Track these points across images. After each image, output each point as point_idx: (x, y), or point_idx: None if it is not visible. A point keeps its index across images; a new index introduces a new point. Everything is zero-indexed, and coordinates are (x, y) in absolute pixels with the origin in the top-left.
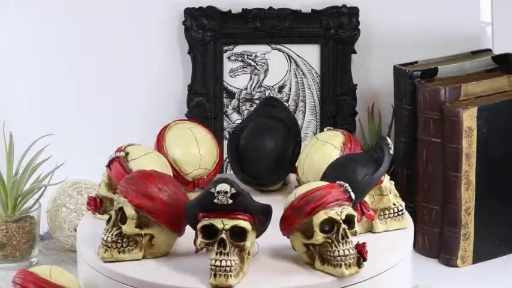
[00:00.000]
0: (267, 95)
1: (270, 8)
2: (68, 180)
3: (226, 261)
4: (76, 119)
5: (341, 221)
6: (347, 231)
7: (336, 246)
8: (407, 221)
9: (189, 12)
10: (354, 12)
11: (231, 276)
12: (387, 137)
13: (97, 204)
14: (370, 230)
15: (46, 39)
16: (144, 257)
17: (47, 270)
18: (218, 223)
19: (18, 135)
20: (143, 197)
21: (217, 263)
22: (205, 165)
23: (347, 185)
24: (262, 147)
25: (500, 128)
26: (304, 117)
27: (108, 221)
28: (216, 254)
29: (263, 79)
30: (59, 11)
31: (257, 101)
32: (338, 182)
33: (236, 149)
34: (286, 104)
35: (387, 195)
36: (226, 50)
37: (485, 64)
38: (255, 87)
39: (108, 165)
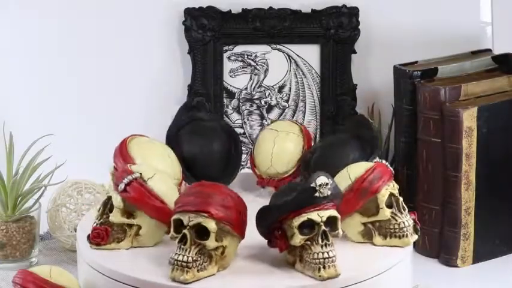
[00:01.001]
0: (267, 95)
1: (270, 8)
2: (68, 180)
3: (332, 251)
4: (76, 119)
5: (397, 195)
6: (403, 203)
7: (400, 218)
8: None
9: (189, 12)
10: (354, 12)
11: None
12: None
13: (108, 235)
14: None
15: (46, 39)
16: (217, 271)
17: (47, 270)
18: (315, 216)
19: (18, 135)
20: (223, 209)
21: (326, 255)
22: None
23: (387, 162)
24: (207, 149)
25: (500, 128)
26: (304, 117)
27: (182, 240)
28: (322, 246)
29: (263, 79)
30: (59, 11)
31: (257, 101)
32: (378, 160)
33: (182, 157)
34: (286, 103)
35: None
36: (226, 50)
37: (485, 64)
38: (255, 87)
39: (125, 190)
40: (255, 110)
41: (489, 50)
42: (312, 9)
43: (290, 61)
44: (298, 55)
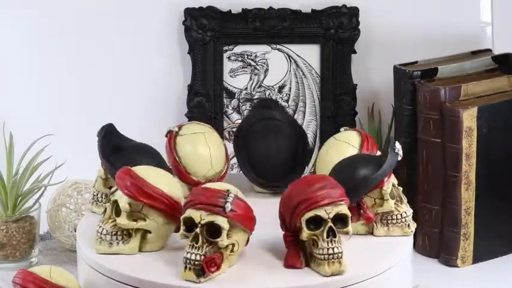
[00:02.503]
0: (267, 95)
1: (270, 8)
2: (68, 180)
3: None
4: (76, 119)
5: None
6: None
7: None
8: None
9: (189, 12)
10: (354, 12)
11: None
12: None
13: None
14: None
15: (46, 39)
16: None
17: (47, 270)
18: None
19: (18, 135)
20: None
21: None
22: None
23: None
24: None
25: (500, 128)
26: (304, 117)
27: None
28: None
29: (263, 79)
30: (59, 11)
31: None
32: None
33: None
34: (286, 104)
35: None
36: (226, 50)
37: (485, 64)
38: (255, 87)
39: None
40: None
41: (489, 50)
42: (312, 9)
43: (290, 61)
44: (298, 55)
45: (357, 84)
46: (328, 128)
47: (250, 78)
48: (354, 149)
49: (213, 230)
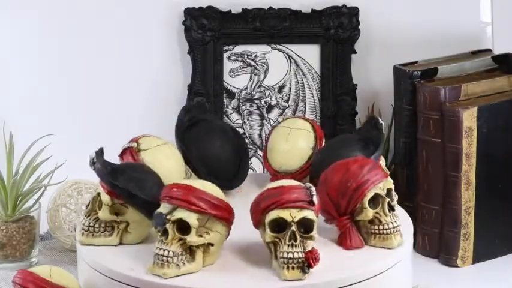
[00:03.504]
0: (267, 95)
1: (270, 8)
2: (68, 180)
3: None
4: (76, 119)
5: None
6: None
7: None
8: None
9: (189, 12)
10: (354, 12)
11: None
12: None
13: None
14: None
15: (46, 39)
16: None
17: (47, 270)
18: None
19: (18, 135)
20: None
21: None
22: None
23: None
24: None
25: (500, 128)
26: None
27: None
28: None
29: (263, 79)
30: (59, 11)
31: (257, 101)
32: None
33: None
34: (286, 103)
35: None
36: (226, 50)
37: (485, 64)
38: (255, 87)
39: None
40: (255, 110)
41: (489, 50)
42: (312, 9)
43: (290, 61)
44: (298, 55)
45: (357, 84)
46: (328, 128)
47: (250, 78)
48: (310, 134)
49: (306, 226)
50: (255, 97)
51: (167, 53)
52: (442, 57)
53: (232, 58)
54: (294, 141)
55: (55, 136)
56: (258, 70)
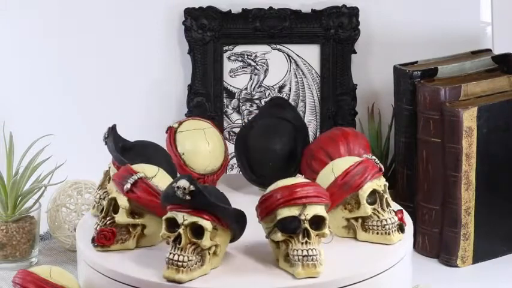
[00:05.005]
0: (267, 95)
1: (270, 8)
2: (68, 180)
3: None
4: (76, 119)
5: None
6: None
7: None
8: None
9: (189, 12)
10: (354, 12)
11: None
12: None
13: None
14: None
15: (46, 39)
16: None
17: (47, 270)
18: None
19: (18, 135)
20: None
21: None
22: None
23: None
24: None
25: (500, 128)
26: (304, 117)
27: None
28: (302, 244)
29: (263, 79)
30: (59, 11)
31: (257, 101)
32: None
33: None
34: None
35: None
36: (226, 50)
37: (485, 64)
38: (255, 87)
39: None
40: (255, 110)
41: (489, 50)
42: (312, 9)
43: (290, 61)
44: (298, 55)
45: (357, 84)
46: (328, 128)
47: (250, 78)
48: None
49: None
50: (255, 97)
51: (167, 53)
52: (442, 57)
53: (232, 58)
54: (213, 141)
55: (55, 136)
56: (258, 70)
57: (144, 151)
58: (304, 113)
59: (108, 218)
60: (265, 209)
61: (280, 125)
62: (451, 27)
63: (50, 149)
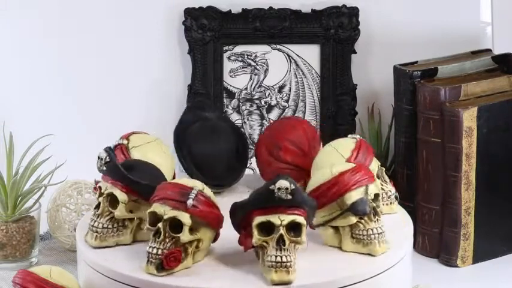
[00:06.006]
0: (267, 95)
1: (270, 8)
2: (68, 180)
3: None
4: (76, 119)
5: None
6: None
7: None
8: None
9: (189, 12)
10: (354, 12)
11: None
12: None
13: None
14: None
15: (46, 39)
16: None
17: (47, 270)
18: (275, 219)
19: (18, 135)
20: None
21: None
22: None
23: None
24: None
25: (500, 128)
26: (304, 117)
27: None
28: (276, 250)
29: (263, 79)
30: (59, 11)
31: (257, 101)
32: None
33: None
34: (286, 103)
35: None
36: (226, 50)
37: (485, 64)
38: (255, 87)
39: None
40: (255, 110)
41: (489, 50)
42: (312, 9)
43: (290, 61)
44: (298, 55)
45: (357, 84)
46: (328, 128)
47: (250, 78)
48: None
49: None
50: (255, 97)
51: (167, 53)
52: (442, 57)
53: (232, 58)
54: (167, 151)
55: (55, 136)
56: (258, 70)
57: (145, 168)
58: (304, 113)
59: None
60: (331, 196)
61: (216, 125)
62: (451, 27)
63: (50, 149)
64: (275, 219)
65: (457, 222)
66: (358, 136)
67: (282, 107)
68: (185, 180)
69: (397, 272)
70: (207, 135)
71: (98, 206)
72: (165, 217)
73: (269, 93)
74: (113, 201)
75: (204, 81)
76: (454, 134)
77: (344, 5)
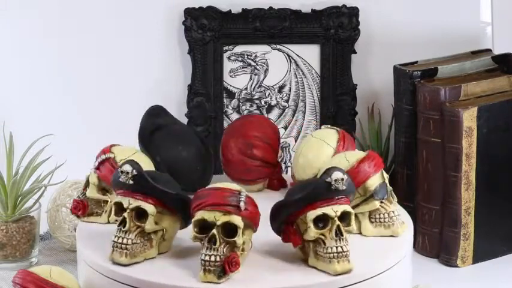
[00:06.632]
0: (267, 95)
1: (270, 8)
2: (68, 180)
3: (345, 246)
4: (76, 119)
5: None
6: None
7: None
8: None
9: (189, 12)
10: (354, 12)
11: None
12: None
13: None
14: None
15: (46, 39)
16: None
17: (47, 270)
18: (329, 211)
19: (18, 135)
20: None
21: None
22: None
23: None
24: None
25: (500, 128)
26: (304, 117)
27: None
28: (336, 241)
29: (263, 79)
30: (59, 11)
31: (257, 101)
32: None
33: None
34: (286, 103)
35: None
36: (226, 50)
37: (485, 64)
38: (255, 87)
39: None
40: (255, 110)
41: (489, 50)
42: (312, 9)
43: (290, 61)
44: (298, 55)
45: (357, 84)
46: None
47: (250, 78)
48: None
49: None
50: (255, 97)
51: (167, 53)
52: (442, 57)
53: (232, 58)
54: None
55: (55, 136)
56: (258, 70)
57: (162, 178)
58: (304, 113)
59: (222, 246)
60: (356, 184)
61: (179, 130)
62: (451, 27)
63: (50, 149)
64: (329, 211)
65: (457, 222)
66: (332, 126)
67: (282, 107)
68: (226, 184)
69: (397, 272)
70: (175, 141)
71: (123, 223)
72: (218, 223)
73: (269, 93)
74: (138, 215)
75: (204, 81)
76: (454, 134)
77: (344, 5)
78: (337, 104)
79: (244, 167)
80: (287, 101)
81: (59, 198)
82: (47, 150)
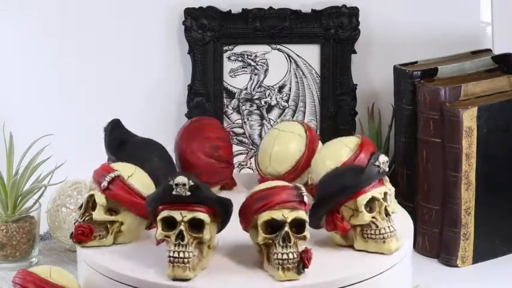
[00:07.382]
0: (267, 95)
1: (270, 8)
2: (68, 180)
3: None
4: (76, 119)
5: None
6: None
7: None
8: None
9: (189, 12)
10: (354, 12)
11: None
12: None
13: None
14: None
15: (46, 39)
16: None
17: (47, 270)
18: (376, 194)
19: (18, 135)
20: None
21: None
22: None
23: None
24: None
25: (500, 128)
26: (304, 117)
27: (179, 236)
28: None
29: (263, 79)
30: (59, 11)
31: (257, 101)
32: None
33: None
34: (286, 103)
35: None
36: (226, 50)
37: (485, 64)
38: (255, 87)
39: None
40: (255, 110)
41: (489, 50)
42: (312, 9)
43: (290, 61)
44: (298, 55)
45: (357, 84)
46: (328, 128)
47: (250, 78)
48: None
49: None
50: (255, 97)
51: (167, 53)
52: (442, 57)
53: (232, 58)
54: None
55: (55, 136)
56: (258, 70)
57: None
58: (304, 113)
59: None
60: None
61: (146, 141)
62: (451, 27)
63: (50, 149)
64: (376, 193)
65: (457, 222)
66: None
67: (282, 107)
68: (276, 182)
69: (397, 272)
70: (150, 151)
71: (180, 236)
72: (289, 220)
73: (269, 93)
74: (192, 226)
75: (204, 81)
76: (454, 134)
77: (344, 5)
78: (337, 104)
79: (212, 169)
80: (287, 101)
81: (59, 198)
82: (47, 150)
